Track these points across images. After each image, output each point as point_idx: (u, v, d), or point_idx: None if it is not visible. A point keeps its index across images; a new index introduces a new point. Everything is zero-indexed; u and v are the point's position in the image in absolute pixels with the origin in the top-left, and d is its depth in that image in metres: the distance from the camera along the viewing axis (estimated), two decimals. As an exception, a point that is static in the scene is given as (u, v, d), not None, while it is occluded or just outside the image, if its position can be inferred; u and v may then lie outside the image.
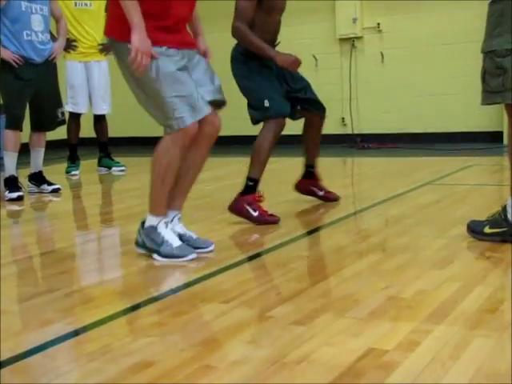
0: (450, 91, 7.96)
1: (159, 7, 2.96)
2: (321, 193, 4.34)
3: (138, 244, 3.11)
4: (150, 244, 3.03)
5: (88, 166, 6.87)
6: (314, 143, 4.37)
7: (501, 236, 3.07)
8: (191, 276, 2.80)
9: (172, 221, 3.13)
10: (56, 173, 6.14)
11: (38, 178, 5.49)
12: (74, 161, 6.56)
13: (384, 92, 8.44)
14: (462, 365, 1.77)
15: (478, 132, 7.85)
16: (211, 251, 3.14)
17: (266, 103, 3.82)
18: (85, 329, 2.23)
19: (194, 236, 3.17)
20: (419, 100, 8.23)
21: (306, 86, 4.21)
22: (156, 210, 3.05)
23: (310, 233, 3.58)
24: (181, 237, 3.13)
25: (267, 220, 3.74)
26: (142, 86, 2.98)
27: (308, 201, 4.39)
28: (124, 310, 2.43)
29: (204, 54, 3.24)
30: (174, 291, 2.63)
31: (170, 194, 3.12)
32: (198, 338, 2.06)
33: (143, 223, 3.08)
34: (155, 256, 3.00)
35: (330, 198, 4.35)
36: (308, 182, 4.35)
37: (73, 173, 6.50)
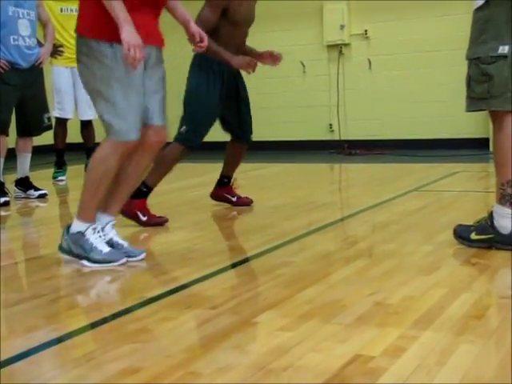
0: (436, 98, 8.01)
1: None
2: (234, 199, 4.50)
3: (62, 249, 3.09)
4: (77, 250, 3.01)
5: (75, 171, 6.83)
6: (234, 161, 4.53)
7: (487, 242, 3.08)
8: (177, 282, 2.79)
9: (105, 227, 3.10)
10: (43, 178, 6.11)
11: (24, 184, 5.46)
12: (60, 166, 6.53)
13: (371, 99, 8.48)
14: (448, 371, 1.77)
15: (465, 139, 7.90)
16: (142, 259, 3.13)
17: (184, 129, 4.05)
18: (70, 335, 2.21)
19: (126, 245, 3.15)
20: (406, 106, 8.27)
21: (245, 112, 4.37)
22: (85, 215, 3.03)
23: (296, 239, 3.57)
24: (112, 244, 3.11)
25: (156, 222, 3.92)
26: (103, 88, 2.94)
27: (295, 206, 4.39)
28: (109, 316, 2.40)
29: (200, 39, 3.18)
30: (159, 297, 2.61)
31: (106, 199, 3.10)
32: (184, 345, 2.05)
33: (68, 228, 3.06)
34: (84, 262, 3.00)
35: (243, 203, 4.52)
36: (222, 190, 4.51)
37: (60, 178, 6.47)
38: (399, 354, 1.89)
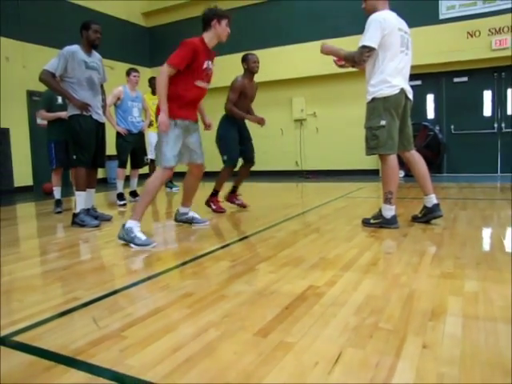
0: (353, 148, 8.03)
1: (186, 93, 2.95)
2: (238, 202, 4.31)
3: (119, 237, 2.86)
4: (127, 238, 2.81)
5: (161, 187, 6.84)
6: (243, 176, 4.32)
7: (379, 224, 3.09)
8: (212, 246, 2.77)
9: (188, 212, 3.31)
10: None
11: (133, 194, 5.48)
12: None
13: (318, 148, 8.51)
14: (358, 293, 1.76)
15: (367, 169, 7.92)
16: (207, 226, 3.29)
17: (225, 157, 4.01)
18: (156, 275, 2.20)
19: (198, 216, 3.38)
20: (337, 152, 8.30)
21: (250, 146, 4.24)
22: (136, 217, 2.85)
23: (277, 224, 3.55)
24: (193, 218, 3.32)
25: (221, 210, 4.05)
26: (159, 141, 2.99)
27: (276, 206, 4.35)
28: (177, 264, 2.39)
29: (209, 126, 3.34)
30: (203, 255, 2.59)
31: (184, 201, 3.32)
32: (217, 280, 2.04)
33: (124, 225, 2.86)
34: (131, 245, 2.79)
35: (243, 205, 4.29)
36: (232, 196, 4.32)
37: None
38: (333, 284, 1.88)
